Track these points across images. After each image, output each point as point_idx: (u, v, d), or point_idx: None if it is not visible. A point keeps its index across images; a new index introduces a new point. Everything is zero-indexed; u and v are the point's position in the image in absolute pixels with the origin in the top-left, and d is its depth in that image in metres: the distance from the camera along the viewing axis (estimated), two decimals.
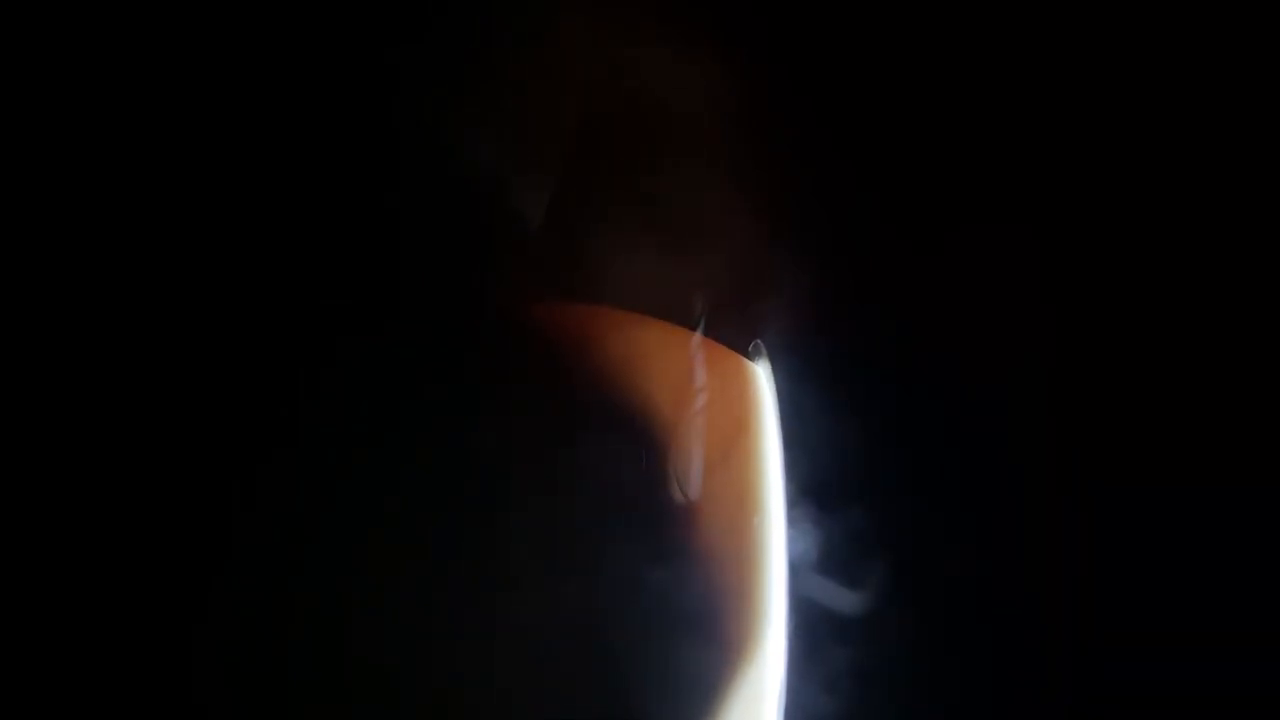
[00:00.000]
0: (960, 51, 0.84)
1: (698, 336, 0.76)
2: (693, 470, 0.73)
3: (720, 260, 0.82)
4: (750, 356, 0.76)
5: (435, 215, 0.80)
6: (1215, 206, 0.84)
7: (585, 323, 0.76)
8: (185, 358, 0.76)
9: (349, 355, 0.76)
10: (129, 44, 0.78)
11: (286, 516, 0.73)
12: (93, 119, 0.78)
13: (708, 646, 0.72)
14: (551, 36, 0.83)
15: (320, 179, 0.79)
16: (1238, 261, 0.83)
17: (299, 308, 0.77)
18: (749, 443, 0.74)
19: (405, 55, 0.81)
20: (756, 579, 0.72)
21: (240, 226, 0.78)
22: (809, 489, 0.77)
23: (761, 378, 0.75)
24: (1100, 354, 0.84)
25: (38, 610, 0.74)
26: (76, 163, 0.78)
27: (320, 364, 0.76)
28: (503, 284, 0.80)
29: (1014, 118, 0.84)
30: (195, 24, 0.78)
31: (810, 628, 0.76)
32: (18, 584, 0.74)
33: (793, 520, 0.75)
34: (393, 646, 0.71)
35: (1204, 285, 0.83)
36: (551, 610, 0.71)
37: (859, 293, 0.84)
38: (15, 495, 0.74)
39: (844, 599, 0.78)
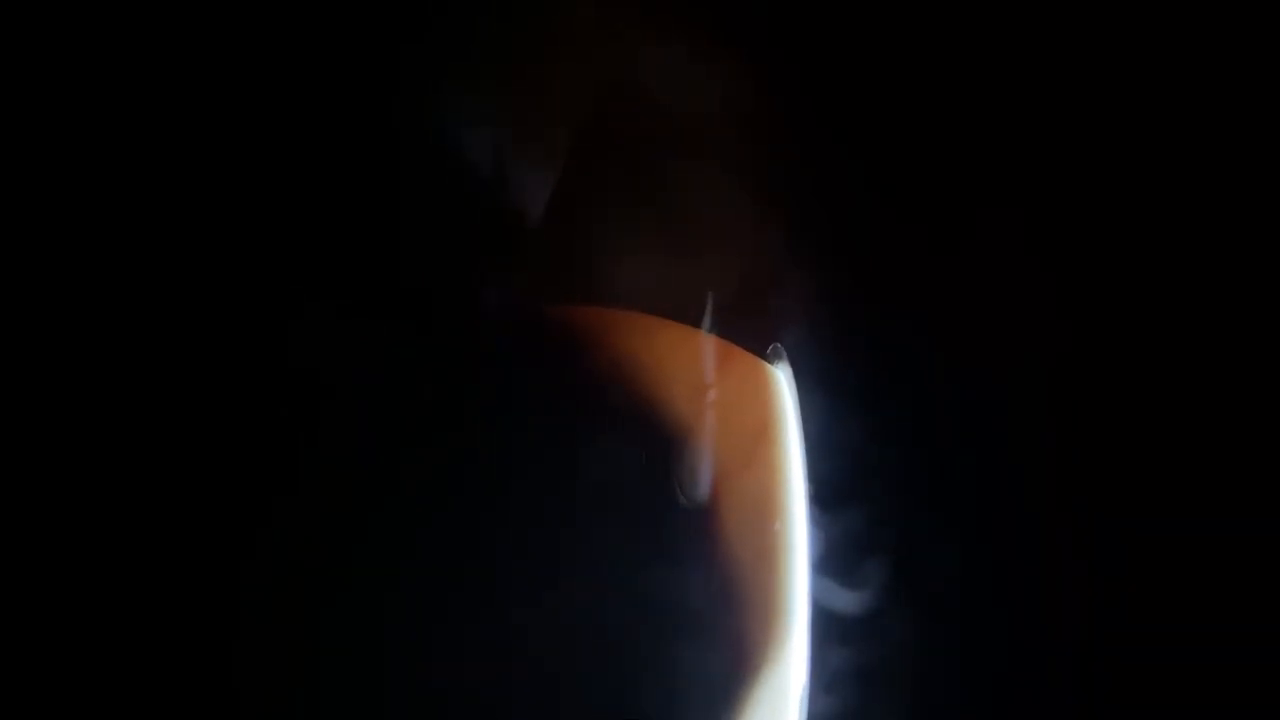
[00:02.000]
0: (968, 50, 0.84)
1: (714, 339, 0.75)
2: (715, 475, 0.72)
3: (728, 261, 0.81)
4: (769, 360, 0.76)
5: (440, 216, 0.80)
6: (1221, 207, 0.84)
7: (597, 325, 0.76)
8: (183, 358, 0.75)
9: (354, 355, 0.75)
10: (130, 42, 0.77)
11: (285, 519, 0.72)
12: (98, 120, 0.77)
13: (730, 652, 0.71)
14: (554, 36, 0.82)
15: (322, 179, 0.78)
16: (1242, 264, 0.84)
17: (299, 308, 0.76)
18: (771, 447, 0.73)
19: (405, 55, 0.80)
20: (779, 584, 0.71)
21: (241, 226, 0.77)
22: (824, 492, 0.76)
23: (782, 381, 0.75)
24: (1104, 353, 0.85)
25: (59, 609, 0.72)
26: (81, 162, 0.77)
27: (320, 364, 0.75)
28: (511, 285, 0.79)
29: (1019, 116, 0.84)
30: (196, 24, 0.77)
31: (829, 631, 0.75)
32: (35, 585, 0.72)
33: (812, 523, 0.75)
34: (399, 648, 0.70)
35: (1209, 282, 0.84)
36: (570, 616, 0.70)
37: (866, 293, 0.84)
38: (28, 496, 0.73)
39: (861, 601, 0.78)
